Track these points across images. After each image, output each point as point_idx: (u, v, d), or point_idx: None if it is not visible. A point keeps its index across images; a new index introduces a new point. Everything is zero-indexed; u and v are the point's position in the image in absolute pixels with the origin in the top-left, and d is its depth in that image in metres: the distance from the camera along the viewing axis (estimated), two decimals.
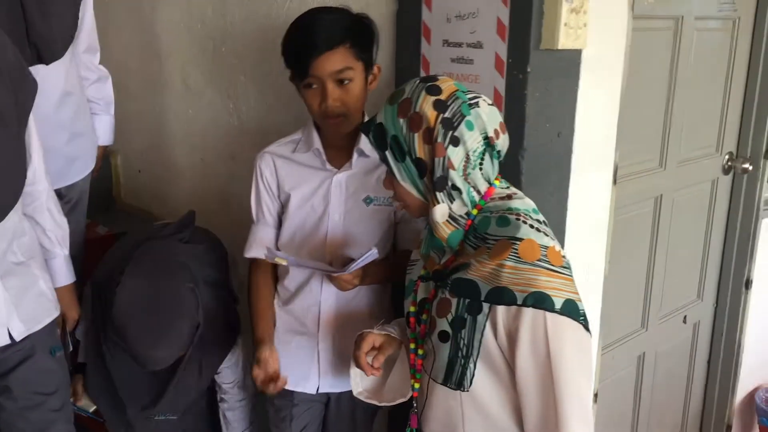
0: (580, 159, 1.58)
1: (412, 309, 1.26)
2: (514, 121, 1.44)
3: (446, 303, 1.16)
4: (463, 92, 1.16)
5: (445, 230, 1.17)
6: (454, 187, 1.14)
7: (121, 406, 1.66)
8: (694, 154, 2.16)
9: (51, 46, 1.69)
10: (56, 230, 1.50)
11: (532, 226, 1.12)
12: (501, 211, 1.15)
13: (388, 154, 1.18)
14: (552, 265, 1.09)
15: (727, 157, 2.29)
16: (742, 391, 2.59)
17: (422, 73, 1.60)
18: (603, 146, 1.66)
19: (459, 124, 1.13)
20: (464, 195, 1.15)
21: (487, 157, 1.16)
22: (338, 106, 1.42)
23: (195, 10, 2.18)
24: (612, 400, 2.11)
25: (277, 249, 1.54)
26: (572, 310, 1.08)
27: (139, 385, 1.63)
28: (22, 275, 1.41)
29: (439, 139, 1.12)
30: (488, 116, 1.15)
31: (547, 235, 1.13)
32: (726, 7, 2.08)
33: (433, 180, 1.14)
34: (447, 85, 1.16)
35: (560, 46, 1.39)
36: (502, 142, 1.18)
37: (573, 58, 1.49)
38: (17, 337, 1.40)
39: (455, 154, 1.13)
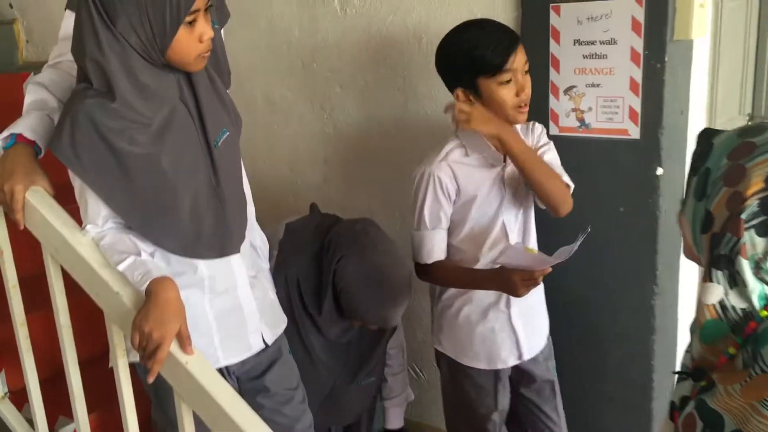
0: (692, 131, 1.84)
1: (675, 400, 1.02)
2: (652, 105, 1.69)
3: (692, 421, 0.94)
4: None
5: (705, 315, 0.94)
6: (740, 275, 0.90)
7: (314, 380, 1.82)
8: (727, 118, 2.48)
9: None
10: (264, 246, 1.62)
11: None
12: None
13: (693, 179, 0.98)
14: None
15: (748, 118, 2.62)
16: None
17: (552, 72, 1.81)
18: (703, 119, 1.94)
19: None
20: (750, 288, 0.90)
21: None
22: (530, 93, 1.59)
23: (279, 32, 2.31)
24: None
25: (449, 247, 1.71)
26: None
27: (341, 357, 1.85)
28: (258, 287, 1.54)
29: (744, 215, 0.89)
30: None
31: None
32: None
33: (712, 253, 0.92)
34: None
35: (693, 37, 1.64)
36: None
37: (689, 45, 1.74)
38: (269, 342, 1.54)
39: (754, 244, 0.89)
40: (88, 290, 1.36)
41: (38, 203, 1.37)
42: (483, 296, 1.73)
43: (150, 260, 1.34)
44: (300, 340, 1.79)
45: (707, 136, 0.99)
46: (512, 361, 1.78)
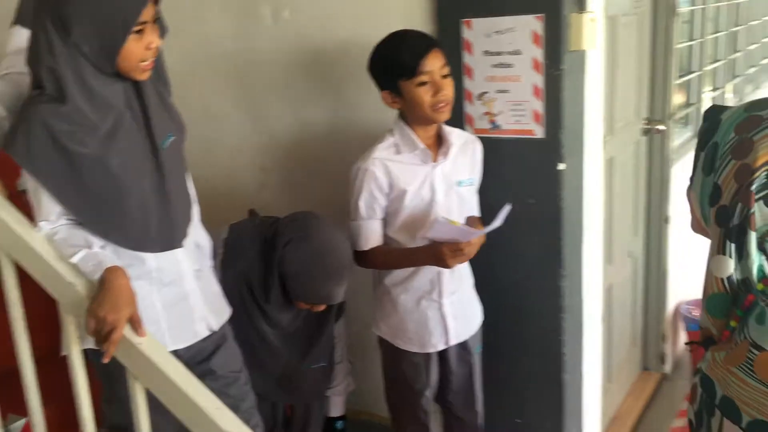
0: (588, 131, 2.08)
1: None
2: (553, 108, 1.91)
3: (694, 389, 1.02)
4: None
5: (713, 288, 0.97)
6: (746, 247, 0.93)
7: (270, 364, 1.98)
8: (625, 122, 2.75)
9: None
10: (207, 245, 1.76)
11: None
12: None
13: (701, 154, 1.01)
14: None
15: (645, 121, 2.91)
16: (669, 306, 3.25)
17: (466, 79, 2.01)
18: (596, 120, 2.17)
19: None
20: (752, 261, 0.94)
21: None
22: (448, 94, 1.78)
23: (212, 44, 2.44)
24: None
25: (386, 237, 1.91)
26: None
27: (291, 342, 1.98)
28: (202, 279, 1.68)
29: (754, 187, 0.92)
30: None
31: None
32: (637, 6, 2.68)
33: (729, 224, 0.94)
34: None
35: (585, 48, 1.87)
36: None
37: (582, 55, 1.98)
38: (215, 328, 1.69)
39: (763, 215, 0.93)
40: (43, 283, 1.46)
41: None
42: (417, 286, 1.92)
43: (101, 252, 1.46)
44: (253, 329, 1.93)
45: (715, 112, 1.02)
46: (441, 346, 1.98)
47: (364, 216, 1.88)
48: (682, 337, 3.40)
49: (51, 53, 1.38)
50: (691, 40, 3.49)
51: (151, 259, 1.56)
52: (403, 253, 1.89)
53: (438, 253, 1.76)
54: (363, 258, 1.93)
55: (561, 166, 1.96)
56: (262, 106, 2.43)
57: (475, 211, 1.97)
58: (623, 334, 2.96)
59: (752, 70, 4.78)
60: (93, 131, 1.43)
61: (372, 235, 1.89)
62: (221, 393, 1.67)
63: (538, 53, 1.90)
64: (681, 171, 3.13)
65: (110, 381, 1.57)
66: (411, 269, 1.92)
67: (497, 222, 1.73)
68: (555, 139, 1.94)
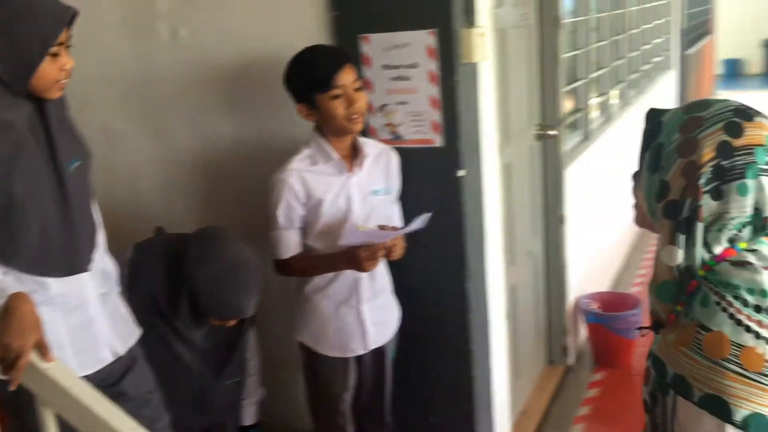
0: (484, 138, 2.19)
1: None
2: (450, 118, 2.01)
3: (647, 372, 1.09)
4: None
5: (662, 276, 1.06)
6: (692, 237, 1.02)
7: (184, 383, 1.96)
8: (519, 129, 2.90)
9: None
10: (113, 271, 1.74)
11: (732, 316, 0.98)
12: (712, 286, 1.01)
13: (646, 154, 1.09)
14: (744, 369, 0.95)
15: (538, 127, 3.07)
16: (569, 301, 3.43)
17: (367, 93, 2.08)
18: (491, 128, 2.29)
19: (731, 181, 1.00)
20: (696, 250, 1.02)
21: (748, 230, 1.03)
22: (361, 106, 1.86)
23: (111, 64, 2.40)
24: None
25: (305, 245, 1.96)
26: (759, 427, 0.95)
27: (205, 359, 1.99)
28: (109, 303, 1.66)
29: (701, 182, 1.01)
30: None
31: (751, 331, 0.97)
32: (523, 19, 2.84)
33: (678, 218, 1.02)
34: (755, 134, 1.01)
35: (476, 60, 1.98)
36: None
37: (475, 67, 2.09)
38: (122, 352, 1.66)
39: (709, 207, 1.01)
40: None
41: None
42: (336, 293, 1.98)
43: (3, 278, 1.42)
44: (166, 348, 1.92)
45: (655, 114, 1.11)
46: (360, 351, 2.04)
47: (283, 225, 1.93)
48: (582, 330, 3.60)
49: None
50: (576, 49, 3.71)
51: (54, 284, 1.54)
52: (322, 259, 1.95)
53: (354, 257, 1.83)
54: (283, 266, 1.98)
55: (461, 173, 2.06)
56: (164, 124, 2.42)
57: (395, 220, 2.04)
58: (528, 331, 3.11)
59: (634, 75, 5.10)
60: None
61: (291, 244, 1.94)
62: (135, 415, 1.65)
63: (434, 66, 1.99)
64: (573, 173, 3.33)
65: (18, 411, 1.53)
66: (330, 277, 1.98)
67: (414, 225, 1.82)
68: (453, 147, 2.03)
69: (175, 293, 1.87)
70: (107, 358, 1.65)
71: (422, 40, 1.98)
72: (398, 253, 1.88)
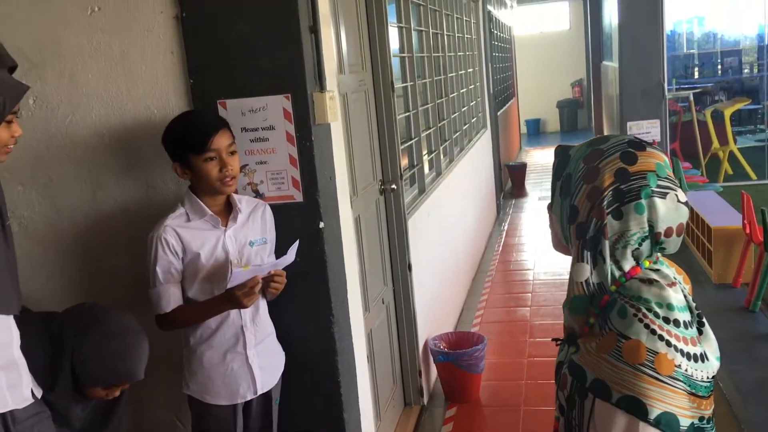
0: (340, 192, 2.37)
1: (557, 365, 1.27)
2: (308, 175, 2.17)
3: (565, 378, 1.20)
4: (660, 178, 1.16)
5: (575, 291, 1.19)
6: (601, 254, 1.16)
7: None
8: (365, 184, 3.13)
9: None
10: None
11: (648, 326, 1.10)
12: (627, 300, 1.14)
13: (557, 184, 1.24)
14: (657, 373, 1.08)
15: (380, 182, 3.32)
16: (420, 344, 3.66)
17: None
18: (344, 181, 2.48)
19: (629, 202, 1.14)
20: (606, 267, 1.16)
21: (647, 244, 1.17)
22: (234, 169, 1.97)
23: None
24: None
25: (186, 299, 2.01)
26: (668, 424, 1.08)
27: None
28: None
29: (604, 204, 1.15)
30: (666, 212, 1.15)
31: (663, 339, 1.10)
32: (361, 85, 3.10)
33: (585, 237, 1.17)
34: (646, 161, 1.17)
35: (329, 121, 2.17)
36: (673, 243, 1.18)
37: (328, 128, 2.28)
38: (39, 396, 1.77)
39: (612, 226, 1.15)
40: None
41: None
42: (222, 342, 2.05)
43: None
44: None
45: (563, 150, 1.27)
46: (249, 396, 2.10)
47: (162, 281, 1.99)
48: (434, 370, 3.82)
49: None
50: (407, 111, 4.05)
51: None
52: (203, 305, 2.02)
53: (232, 297, 1.92)
54: (165, 320, 2.02)
55: (321, 225, 2.21)
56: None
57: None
58: (386, 375, 3.27)
59: (457, 134, 5.60)
60: None
61: (172, 297, 2.00)
62: None
63: (290, 127, 2.15)
64: (414, 224, 3.60)
65: None
66: (214, 327, 2.04)
67: (289, 256, 1.95)
68: (313, 201, 2.19)
69: (54, 371, 1.83)
70: (29, 398, 1.72)
71: (278, 103, 2.14)
72: (280, 285, 2.01)
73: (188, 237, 2.00)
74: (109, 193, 2.31)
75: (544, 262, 5.88)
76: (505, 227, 7.39)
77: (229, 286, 1.92)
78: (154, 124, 2.15)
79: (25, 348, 1.79)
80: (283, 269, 2.03)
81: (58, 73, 2.26)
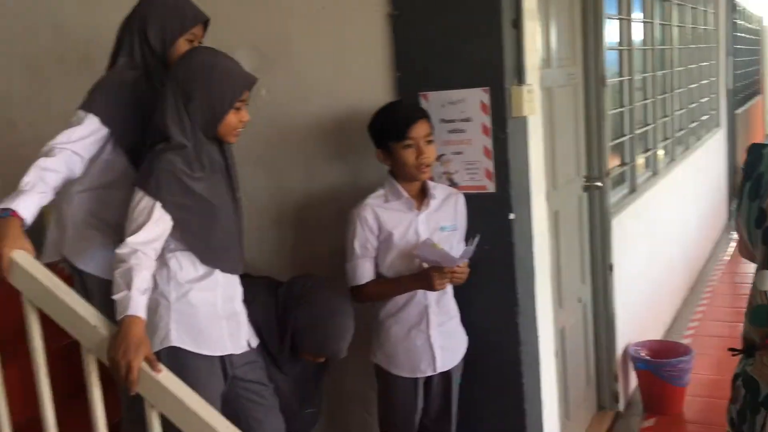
0: (534, 185, 2.39)
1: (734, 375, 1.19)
2: (501, 166, 2.23)
3: (738, 391, 1.14)
4: None
5: (758, 300, 1.10)
6: None
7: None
8: (566, 179, 3.09)
9: None
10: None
11: None
12: None
13: (746, 185, 1.17)
14: None
15: (584, 178, 3.25)
16: (618, 348, 3.53)
17: None
18: (539, 176, 2.49)
19: None
20: None
21: None
22: (429, 157, 2.11)
23: None
24: None
25: (378, 275, 2.19)
26: None
27: (295, 388, 2.24)
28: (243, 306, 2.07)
29: None
30: None
31: None
32: (570, 79, 3.06)
33: None
34: None
35: (525, 114, 2.20)
36: None
37: (524, 121, 2.31)
38: (254, 345, 2.05)
39: None
40: (67, 327, 1.67)
41: (22, 261, 1.68)
42: (407, 318, 2.21)
43: (135, 297, 1.66)
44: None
45: (756, 148, 1.18)
46: (429, 372, 2.24)
47: (358, 255, 2.19)
48: (633, 377, 3.67)
49: (179, 120, 1.83)
50: (622, 107, 3.90)
51: (221, 276, 1.92)
52: (395, 281, 2.19)
53: (426, 277, 2.07)
54: (359, 292, 2.21)
55: (511, 216, 2.25)
56: (244, 175, 2.67)
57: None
58: (578, 375, 3.22)
59: (681, 133, 5.25)
60: (201, 176, 1.84)
61: (366, 272, 2.19)
62: (251, 400, 2.00)
63: (486, 120, 2.22)
64: (620, 223, 3.48)
65: (136, 401, 1.74)
66: (401, 304, 2.20)
67: (470, 249, 2.06)
68: (505, 192, 2.24)
69: (282, 330, 2.12)
70: (245, 346, 1.99)
71: (476, 96, 2.22)
72: (463, 278, 2.11)
73: (385, 216, 2.17)
74: (323, 175, 2.55)
75: None
76: (735, 235, 6.76)
77: (416, 252, 2.08)
78: (362, 114, 2.33)
79: (253, 306, 2.07)
80: (470, 258, 2.11)
81: (285, 67, 2.54)
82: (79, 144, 1.88)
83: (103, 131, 1.94)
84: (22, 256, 1.69)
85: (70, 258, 2.05)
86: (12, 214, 1.69)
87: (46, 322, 1.73)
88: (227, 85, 1.84)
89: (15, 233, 1.69)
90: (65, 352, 1.95)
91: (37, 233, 1.88)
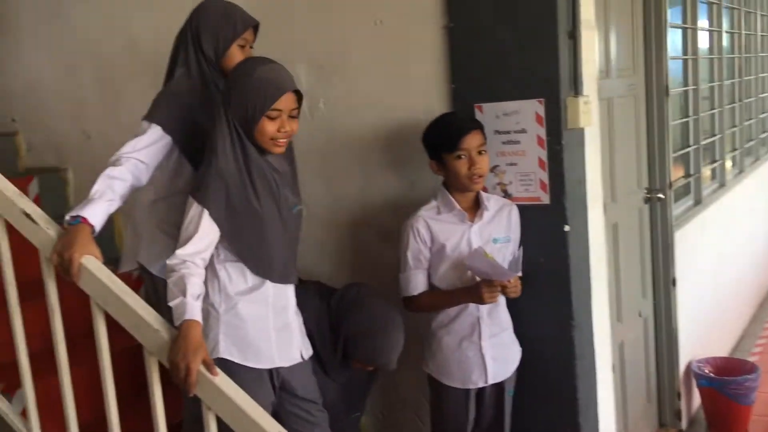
0: (590, 197, 2.36)
1: None
2: (556, 178, 2.21)
3: None
4: None
5: None
6: None
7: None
8: (626, 191, 3.03)
9: None
10: None
11: None
12: None
13: None
14: None
15: (645, 190, 3.19)
16: (681, 364, 3.43)
17: None
18: (596, 187, 2.46)
19: None
20: None
21: None
22: (482, 168, 2.13)
23: None
24: None
25: (431, 286, 2.21)
26: None
27: (342, 393, 2.29)
28: (298, 317, 2.08)
29: None
30: None
31: None
32: (631, 89, 3.02)
33: None
34: None
35: (582, 125, 2.19)
36: None
37: (580, 132, 2.29)
38: (306, 357, 2.05)
39: None
40: (132, 330, 1.75)
41: (91, 266, 1.77)
42: (459, 329, 2.22)
43: (191, 303, 1.72)
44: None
45: None
46: (481, 383, 2.24)
47: (411, 266, 2.21)
48: (696, 395, 3.56)
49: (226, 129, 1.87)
50: (687, 117, 3.81)
51: (271, 287, 1.93)
52: (446, 293, 2.20)
53: (476, 290, 2.07)
54: (412, 303, 2.24)
55: (566, 228, 2.23)
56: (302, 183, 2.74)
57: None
58: (638, 391, 3.14)
59: (750, 143, 5.08)
60: (249, 186, 1.87)
61: (419, 283, 2.22)
62: (296, 414, 2.01)
63: (542, 131, 2.22)
64: (683, 237, 3.39)
65: (194, 403, 1.80)
66: (453, 314, 2.21)
67: (518, 261, 2.09)
68: (560, 204, 2.23)
69: (335, 337, 2.17)
70: (296, 358, 2.00)
71: (531, 107, 2.21)
72: (517, 291, 2.10)
73: (437, 228, 2.18)
74: (377, 186, 2.59)
75: None
76: None
77: (467, 261, 2.09)
78: (417, 125, 2.35)
79: (305, 313, 2.11)
80: (523, 270, 2.11)
81: (343, 79, 2.60)
82: (144, 152, 1.97)
83: (166, 139, 2.02)
84: (91, 261, 1.78)
85: (143, 263, 2.16)
86: (82, 221, 1.78)
87: (112, 326, 1.82)
88: (259, 93, 1.83)
89: (85, 240, 1.78)
90: (130, 354, 2.03)
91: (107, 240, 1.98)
